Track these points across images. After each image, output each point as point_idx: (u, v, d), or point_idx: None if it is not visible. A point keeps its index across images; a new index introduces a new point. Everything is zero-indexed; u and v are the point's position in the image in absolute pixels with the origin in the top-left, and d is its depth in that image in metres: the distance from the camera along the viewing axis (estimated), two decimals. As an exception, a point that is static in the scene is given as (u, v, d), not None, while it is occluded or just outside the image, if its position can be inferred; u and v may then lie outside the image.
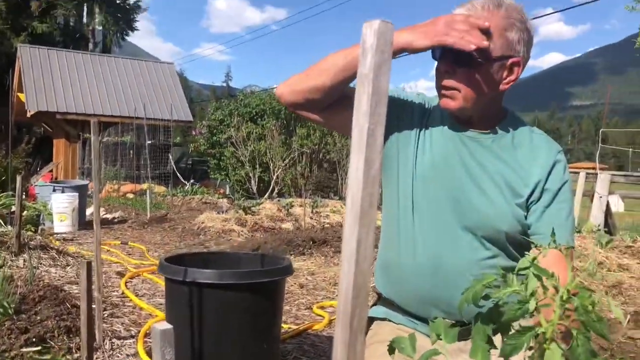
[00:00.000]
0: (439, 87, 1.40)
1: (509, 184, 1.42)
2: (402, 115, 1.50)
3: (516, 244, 1.43)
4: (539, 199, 1.42)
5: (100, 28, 25.42)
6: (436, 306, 1.46)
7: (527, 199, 1.42)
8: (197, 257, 2.38)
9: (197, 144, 17.12)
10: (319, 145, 15.33)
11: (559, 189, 1.43)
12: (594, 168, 9.10)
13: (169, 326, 0.94)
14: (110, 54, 22.97)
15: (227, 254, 2.64)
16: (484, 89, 1.37)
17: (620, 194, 12.67)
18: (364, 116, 0.48)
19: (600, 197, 9.13)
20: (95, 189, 2.51)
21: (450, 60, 1.35)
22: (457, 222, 1.43)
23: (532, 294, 0.76)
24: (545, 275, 0.78)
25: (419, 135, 1.49)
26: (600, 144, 9.90)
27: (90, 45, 25.24)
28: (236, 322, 2.02)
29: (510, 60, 1.37)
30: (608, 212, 9.20)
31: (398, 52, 1.33)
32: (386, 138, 1.47)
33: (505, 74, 1.38)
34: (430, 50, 1.35)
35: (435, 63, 1.41)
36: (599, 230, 6.29)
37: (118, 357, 2.53)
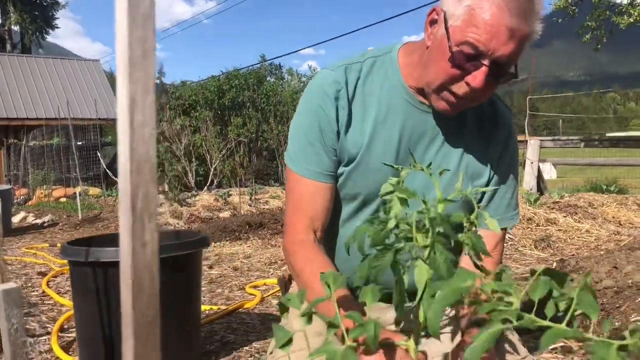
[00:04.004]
0: (451, 92, 1.09)
1: (473, 169, 1.27)
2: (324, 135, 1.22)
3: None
4: (493, 177, 1.29)
5: (17, 28, 24.12)
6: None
7: (487, 181, 1.29)
8: (106, 239, 2.23)
9: (130, 141, 16.60)
10: (256, 134, 15.15)
11: (510, 161, 1.31)
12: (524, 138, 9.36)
13: (13, 286, 0.82)
14: (31, 54, 21.92)
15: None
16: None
17: (552, 162, 13.05)
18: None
19: (532, 162, 9.36)
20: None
21: (496, 78, 1.07)
22: None
23: (396, 216, 0.68)
24: (410, 196, 0.71)
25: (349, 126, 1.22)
26: (529, 111, 10.14)
27: (9, 47, 23.97)
28: (147, 301, 1.88)
29: None
30: (540, 177, 9.46)
31: None
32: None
33: None
34: (451, 53, 1.04)
35: (450, 65, 1.05)
36: (531, 193, 6.43)
37: (31, 355, 2.35)
